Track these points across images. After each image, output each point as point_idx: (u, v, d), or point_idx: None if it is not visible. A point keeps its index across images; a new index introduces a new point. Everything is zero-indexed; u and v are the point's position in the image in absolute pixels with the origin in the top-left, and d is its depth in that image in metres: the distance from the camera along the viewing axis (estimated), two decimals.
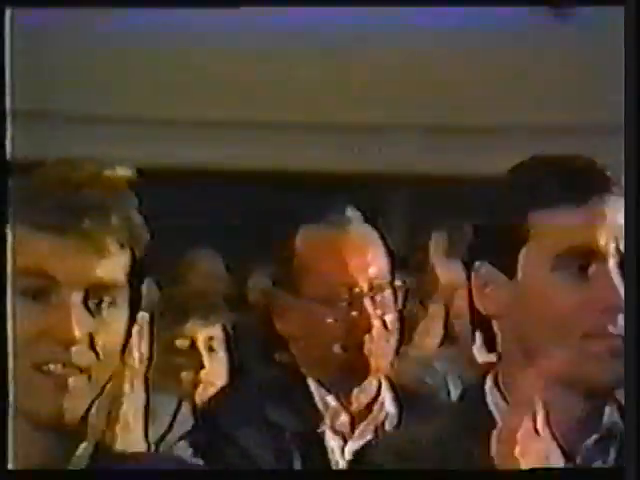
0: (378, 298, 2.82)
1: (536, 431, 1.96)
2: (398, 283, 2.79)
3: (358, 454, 2.37)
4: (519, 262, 1.97)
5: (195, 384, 3.01)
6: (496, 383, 2.04)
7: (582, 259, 1.93)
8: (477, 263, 2.02)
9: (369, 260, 2.85)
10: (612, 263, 1.92)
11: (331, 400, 2.85)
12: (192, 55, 10.15)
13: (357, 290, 2.81)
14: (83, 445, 1.80)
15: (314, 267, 2.87)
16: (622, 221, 1.96)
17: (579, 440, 1.98)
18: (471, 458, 1.97)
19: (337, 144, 9.42)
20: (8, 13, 1.78)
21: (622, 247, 1.96)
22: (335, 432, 2.82)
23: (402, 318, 2.84)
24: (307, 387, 2.89)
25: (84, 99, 9.89)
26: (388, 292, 2.83)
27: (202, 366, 3.28)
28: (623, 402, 2.06)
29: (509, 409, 1.99)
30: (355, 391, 2.83)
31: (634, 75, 1.78)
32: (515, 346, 2.02)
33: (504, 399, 2.02)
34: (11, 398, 1.73)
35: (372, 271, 2.83)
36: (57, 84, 9.97)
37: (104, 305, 1.72)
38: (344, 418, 2.84)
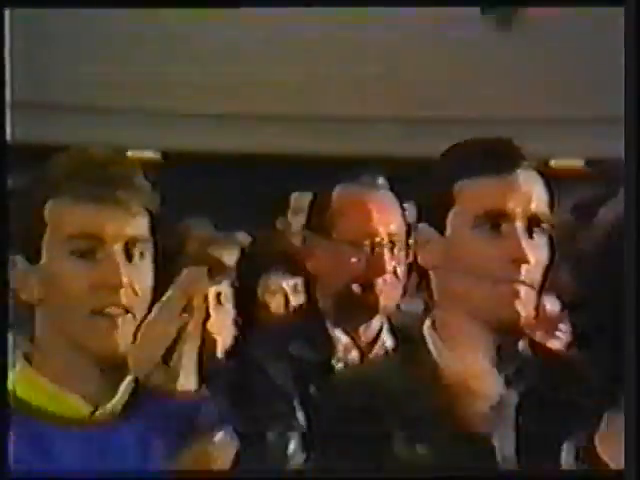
0: (394, 251, 3.00)
1: (477, 363, 2.16)
2: (410, 242, 2.85)
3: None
4: (448, 221, 2.19)
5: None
6: (433, 326, 2.24)
7: (495, 220, 2.14)
8: (419, 224, 2.25)
9: (390, 218, 3.03)
10: (519, 224, 2.12)
11: (343, 337, 3.01)
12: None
13: (378, 240, 2.99)
14: (125, 381, 2.01)
15: (345, 217, 3.05)
16: (529, 190, 2.15)
17: (501, 370, 2.14)
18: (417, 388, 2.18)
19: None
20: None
21: (530, 211, 2.13)
22: (346, 364, 2.94)
23: (410, 271, 2.99)
24: (325, 325, 3.05)
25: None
26: (402, 247, 3.00)
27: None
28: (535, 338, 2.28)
29: (445, 347, 2.20)
30: (362, 327, 3.00)
31: (634, 75, 1.79)
32: (448, 293, 2.21)
33: (441, 339, 2.21)
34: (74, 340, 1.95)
35: (392, 227, 3.01)
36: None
37: (136, 256, 1.97)
38: (354, 353, 2.99)
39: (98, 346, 1.95)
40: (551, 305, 3.47)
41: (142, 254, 1.99)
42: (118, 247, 1.95)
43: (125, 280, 1.94)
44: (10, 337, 3.36)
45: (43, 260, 1.98)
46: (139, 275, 1.97)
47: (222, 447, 2.02)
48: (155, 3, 10.86)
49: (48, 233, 1.98)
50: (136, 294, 1.96)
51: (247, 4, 11.17)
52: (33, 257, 1.99)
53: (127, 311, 1.95)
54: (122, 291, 1.94)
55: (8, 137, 2.07)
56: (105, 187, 1.96)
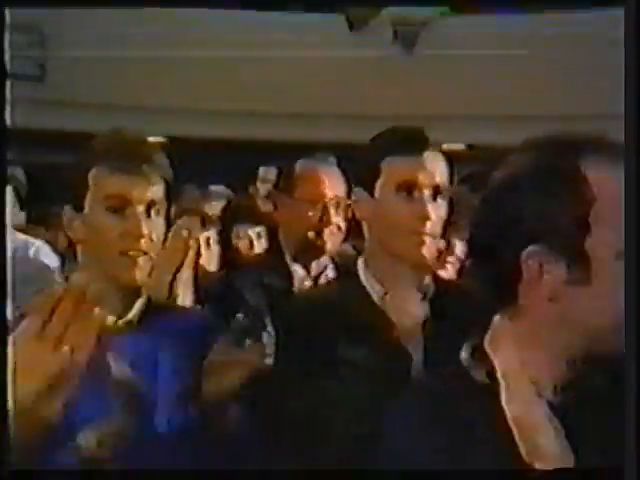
0: (338, 209, 3.01)
1: (398, 290, 2.22)
2: (349, 203, 2.84)
3: None
4: (376, 188, 2.23)
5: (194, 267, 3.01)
6: (365, 263, 2.28)
7: (409, 188, 2.18)
8: (356, 189, 2.30)
9: (336, 185, 3.03)
10: (426, 191, 2.19)
11: (300, 270, 3.05)
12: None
13: (327, 200, 3.00)
14: (140, 300, 2.02)
15: (304, 182, 3.06)
16: (434, 167, 2.21)
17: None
18: (353, 306, 2.22)
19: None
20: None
21: (435, 182, 2.18)
22: (302, 289, 2.98)
23: (349, 226, 2.99)
24: (286, 262, 3.08)
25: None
26: (344, 207, 2.99)
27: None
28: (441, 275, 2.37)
29: (374, 278, 2.24)
30: (313, 264, 3.03)
31: (634, 75, 1.45)
32: (375, 240, 2.27)
33: (370, 273, 2.25)
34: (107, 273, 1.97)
35: (337, 191, 3.01)
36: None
37: (153, 213, 2.00)
38: (308, 282, 3.02)
39: (123, 277, 1.98)
40: (460, 247, 3.47)
41: (158, 212, 2.02)
42: (141, 207, 1.99)
43: (145, 232, 1.98)
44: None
45: (85, 210, 2.01)
46: (155, 228, 2.00)
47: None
48: (155, 3, 10.49)
49: (90, 192, 2.01)
50: (152, 241, 1.99)
51: (247, 4, 10.88)
52: (78, 208, 2.03)
53: (145, 253, 1.98)
54: (142, 240, 1.97)
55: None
56: (133, 162, 2.00)
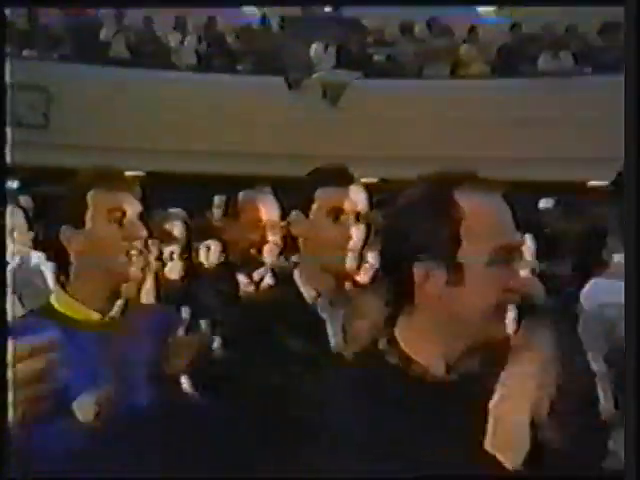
0: (275, 229, 2.99)
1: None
2: (283, 224, 2.81)
3: None
4: (311, 212, 2.22)
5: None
6: (300, 273, 2.25)
7: (337, 213, 2.17)
8: (293, 212, 2.26)
9: (271, 210, 3.02)
10: (350, 217, 2.19)
11: (244, 279, 3.01)
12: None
13: (264, 223, 3.00)
14: (120, 300, 2.02)
15: (247, 208, 3.07)
16: (356, 197, 2.20)
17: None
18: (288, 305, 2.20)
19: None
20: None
21: (357, 210, 2.17)
22: (246, 294, 2.92)
23: (285, 242, 2.93)
24: (234, 272, 3.05)
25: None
26: (279, 228, 2.96)
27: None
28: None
29: (306, 285, 2.22)
30: (255, 273, 2.99)
31: (634, 75, 1.34)
32: (309, 253, 2.24)
33: (306, 281, 2.22)
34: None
35: (272, 216, 3.00)
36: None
37: (142, 221, 2.01)
38: (251, 287, 2.98)
39: (124, 272, 1.98)
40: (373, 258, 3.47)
41: (145, 221, 2.03)
42: (135, 217, 2.00)
43: (143, 235, 2.00)
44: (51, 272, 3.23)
45: (87, 226, 2.00)
46: (144, 232, 2.01)
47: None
48: (155, 3, 10.38)
49: (90, 209, 2.00)
50: (142, 242, 2.01)
51: (248, 3, 10.75)
52: (79, 225, 2.00)
53: (141, 252, 1.99)
54: (137, 242, 1.99)
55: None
56: (116, 188, 2.02)
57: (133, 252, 1.98)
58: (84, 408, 1.82)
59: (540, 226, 4.29)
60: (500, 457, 1.33)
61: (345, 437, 1.36)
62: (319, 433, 1.39)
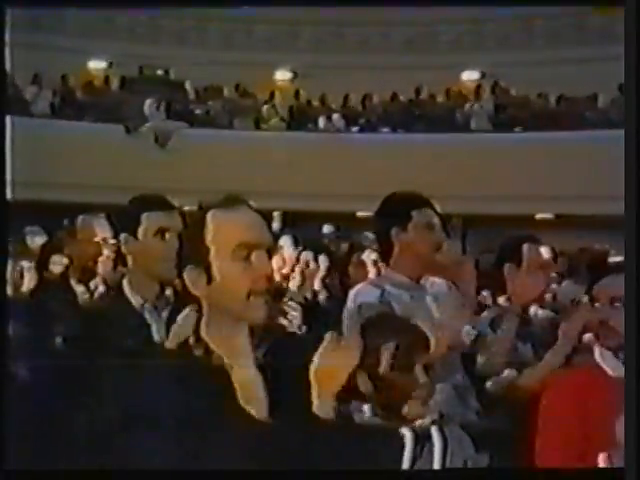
0: (107, 247, 2.86)
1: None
2: (113, 242, 2.74)
3: None
4: (138, 233, 2.05)
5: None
6: (129, 282, 2.07)
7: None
8: (122, 234, 2.08)
9: (104, 231, 2.89)
10: (174, 235, 1.96)
11: (80, 287, 2.86)
12: None
13: (98, 240, 2.89)
14: None
15: (84, 230, 2.95)
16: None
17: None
18: None
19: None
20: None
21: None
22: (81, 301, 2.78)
23: (117, 257, 2.69)
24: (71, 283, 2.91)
25: None
26: (111, 246, 2.81)
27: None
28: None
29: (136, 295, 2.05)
30: (91, 283, 2.86)
31: (634, 75, 1.15)
32: (137, 266, 2.07)
33: (133, 289, 2.04)
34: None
35: (105, 235, 2.88)
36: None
37: None
38: (86, 296, 2.82)
39: None
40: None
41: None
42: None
43: None
44: None
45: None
46: None
47: None
48: (155, 3, 9.39)
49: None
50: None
51: (248, 3, 9.91)
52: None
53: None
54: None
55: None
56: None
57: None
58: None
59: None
60: None
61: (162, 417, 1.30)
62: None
